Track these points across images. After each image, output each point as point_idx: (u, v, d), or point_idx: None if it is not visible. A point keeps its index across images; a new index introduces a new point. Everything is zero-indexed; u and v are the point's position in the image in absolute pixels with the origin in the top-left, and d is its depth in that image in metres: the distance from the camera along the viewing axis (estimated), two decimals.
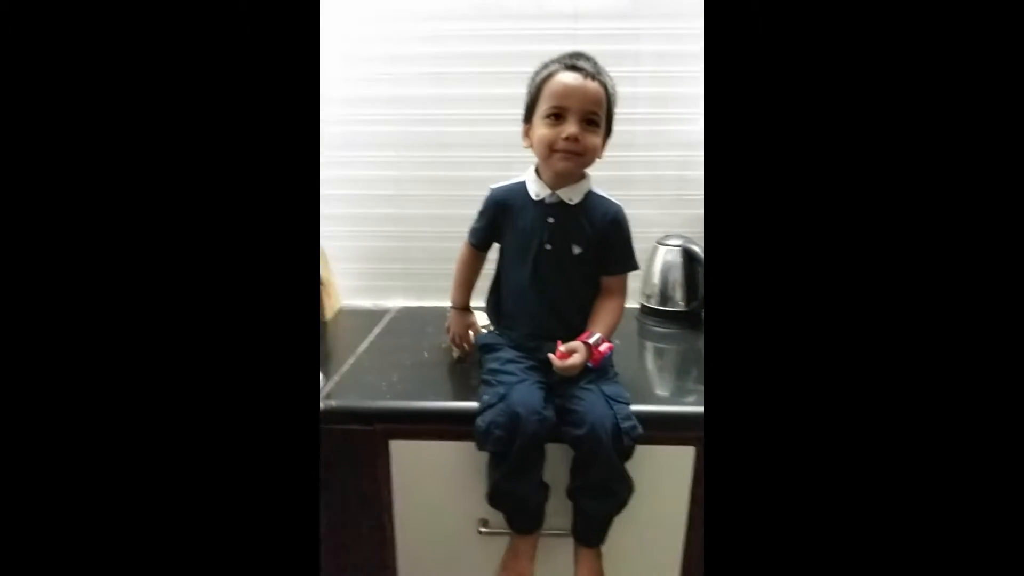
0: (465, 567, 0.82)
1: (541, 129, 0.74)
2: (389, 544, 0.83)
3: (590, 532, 0.76)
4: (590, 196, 0.79)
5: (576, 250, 0.78)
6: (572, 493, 0.75)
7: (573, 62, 0.73)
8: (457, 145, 1.15)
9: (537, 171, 0.80)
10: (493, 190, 0.83)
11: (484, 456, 0.73)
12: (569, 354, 0.73)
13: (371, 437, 0.78)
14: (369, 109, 1.14)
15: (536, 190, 0.79)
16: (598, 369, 0.75)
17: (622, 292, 0.83)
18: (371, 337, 1.04)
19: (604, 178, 0.82)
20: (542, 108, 0.74)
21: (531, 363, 0.78)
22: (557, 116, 0.73)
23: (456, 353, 0.93)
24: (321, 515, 0.80)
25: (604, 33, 1.08)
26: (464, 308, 0.91)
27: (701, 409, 0.77)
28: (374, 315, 1.17)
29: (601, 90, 0.73)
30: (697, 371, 0.95)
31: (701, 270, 1.07)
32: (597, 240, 0.79)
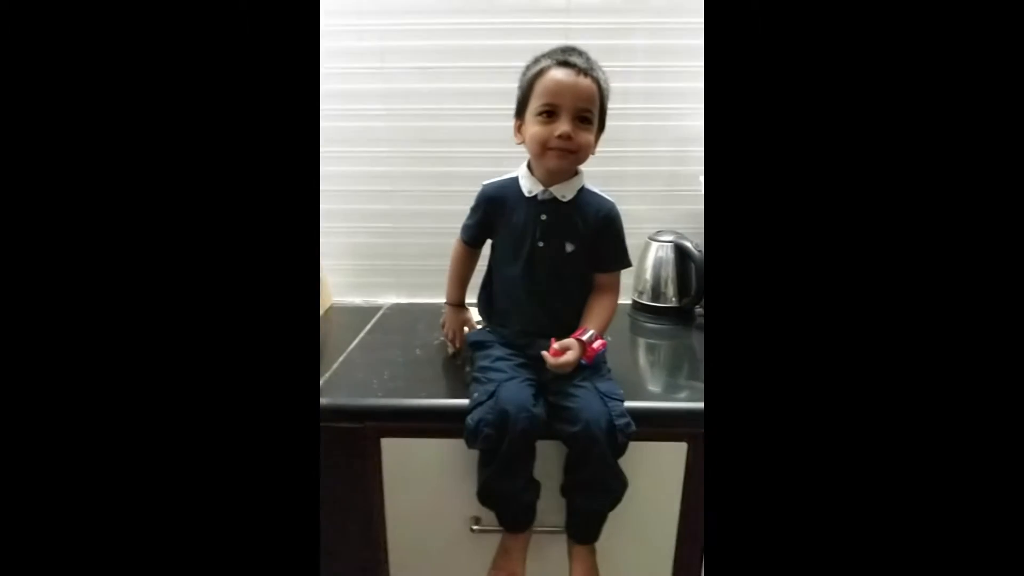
0: (457, 565, 0.82)
1: (534, 127, 0.73)
2: (381, 542, 0.82)
3: (584, 529, 0.75)
4: (583, 193, 0.79)
5: (569, 247, 0.78)
6: (566, 490, 0.75)
7: (565, 58, 0.72)
8: (449, 141, 1.14)
9: (530, 167, 0.79)
10: (485, 186, 0.83)
11: (476, 454, 0.73)
12: (562, 351, 0.72)
13: (362, 435, 0.78)
14: (359, 104, 1.13)
15: (529, 187, 0.78)
16: (592, 366, 0.75)
17: (615, 289, 0.82)
18: (362, 334, 1.04)
19: (596, 174, 0.81)
20: (534, 105, 0.73)
21: (521, 360, 0.78)
22: (550, 114, 0.72)
23: (451, 349, 0.92)
24: None
25: (597, 28, 1.07)
26: (459, 304, 0.91)
27: (693, 405, 0.77)
28: (365, 312, 1.16)
29: (594, 86, 0.72)
30: (689, 367, 0.95)
31: (693, 266, 1.07)
32: (590, 237, 0.78)
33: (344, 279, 1.23)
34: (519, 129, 0.78)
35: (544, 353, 0.73)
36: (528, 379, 0.74)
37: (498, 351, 0.80)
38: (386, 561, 0.83)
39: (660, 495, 0.79)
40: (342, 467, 0.78)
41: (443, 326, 0.93)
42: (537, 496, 0.75)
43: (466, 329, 0.92)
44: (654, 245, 1.12)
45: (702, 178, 1.10)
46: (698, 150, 1.13)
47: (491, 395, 0.71)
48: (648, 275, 1.12)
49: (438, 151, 1.15)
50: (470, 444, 0.71)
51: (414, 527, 0.82)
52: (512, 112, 0.79)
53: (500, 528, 0.76)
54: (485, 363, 0.78)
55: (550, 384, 0.75)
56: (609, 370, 0.79)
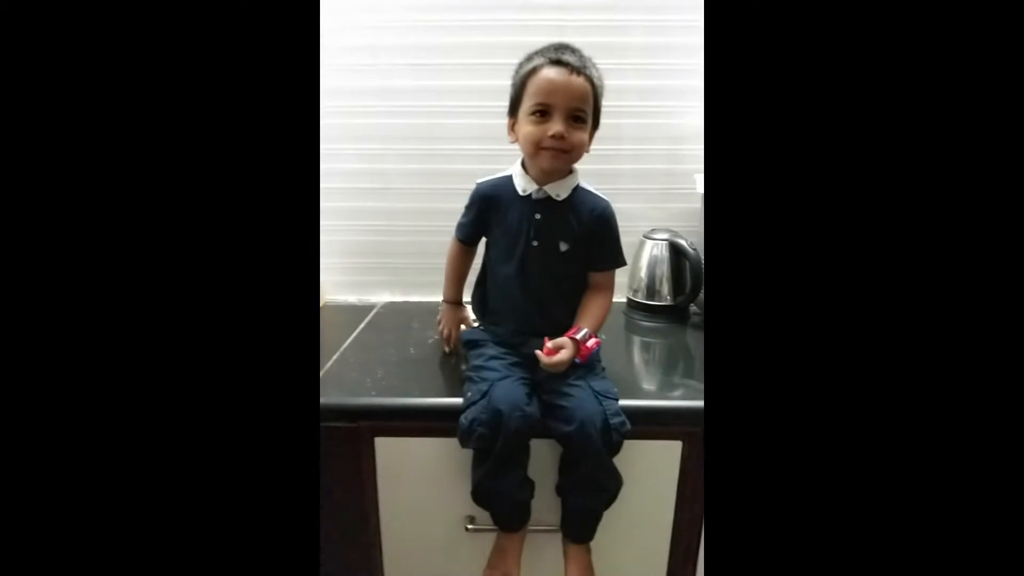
0: (452, 565, 0.82)
1: (527, 126, 0.73)
2: (375, 542, 0.82)
3: (579, 528, 0.75)
4: (578, 191, 0.78)
5: (563, 247, 0.77)
6: (561, 489, 0.75)
7: (558, 56, 0.72)
8: (443, 138, 1.14)
9: (524, 165, 0.79)
10: (479, 184, 0.82)
11: (470, 453, 0.72)
12: (556, 350, 0.72)
13: (356, 434, 0.77)
14: (353, 101, 1.12)
15: (523, 185, 0.78)
16: (585, 365, 0.75)
17: (610, 288, 0.82)
18: (355, 333, 1.03)
19: (591, 171, 0.81)
20: (527, 104, 0.73)
21: (515, 359, 0.77)
22: (543, 113, 0.72)
23: (446, 348, 0.92)
24: None
25: (591, 25, 1.07)
26: (456, 303, 0.91)
27: (688, 403, 0.77)
28: (359, 310, 1.16)
29: (587, 85, 0.72)
30: (684, 365, 0.95)
31: (688, 264, 1.07)
32: (584, 236, 0.78)
33: (338, 277, 1.22)
34: (512, 127, 0.77)
35: (538, 352, 0.73)
36: (522, 378, 0.74)
37: (491, 350, 0.80)
38: (380, 561, 0.83)
39: (655, 493, 0.79)
40: (336, 466, 0.78)
41: (439, 323, 0.92)
42: (531, 495, 0.74)
43: (462, 327, 0.91)
44: (649, 243, 1.12)
45: (697, 176, 1.10)
46: (693, 148, 1.13)
47: (484, 394, 0.71)
48: (643, 273, 1.12)
49: (432, 148, 1.14)
50: (464, 443, 0.71)
51: (409, 526, 0.81)
52: (506, 110, 0.78)
53: (495, 527, 0.76)
54: (478, 362, 0.78)
55: (544, 383, 0.74)
56: (603, 369, 0.79)
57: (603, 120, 0.77)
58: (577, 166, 0.79)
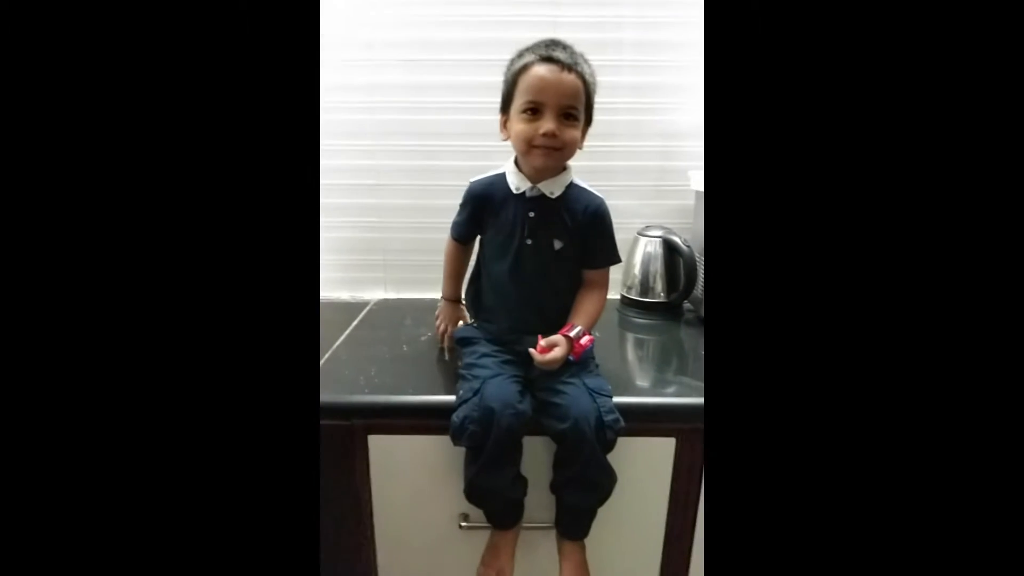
0: (446, 562, 0.82)
1: (518, 125, 0.72)
2: (369, 539, 0.82)
3: (574, 525, 0.75)
4: (572, 188, 0.78)
5: (557, 244, 0.77)
6: (555, 487, 0.75)
7: (549, 53, 0.71)
8: (436, 134, 1.13)
9: (517, 163, 0.78)
10: (472, 183, 0.82)
11: (464, 450, 0.72)
12: (550, 348, 0.72)
13: (349, 432, 0.77)
14: (345, 96, 1.11)
15: (516, 183, 0.77)
16: (579, 362, 0.75)
17: (604, 285, 0.82)
18: (348, 330, 1.02)
19: (584, 168, 0.80)
20: (518, 102, 0.72)
21: (507, 357, 0.77)
22: (534, 111, 0.71)
23: (442, 345, 0.92)
24: None
25: (585, 21, 1.07)
26: (454, 300, 0.91)
27: (682, 400, 0.78)
28: (351, 308, 1.15)
29: (578, 82, 0.71)
30: (678, 362, 0.95)
31: (682, 261, 1.07)
32: (579, 233, 0.78)
33: (330, 274, 1.22)
34: (504, 125, 0.77)
35: (532, 350, 0.72)
36: (514, 376, 0.74)
37: (484, 347, 0.79)
38: (374, 558, 0.83)
39: (649, 490, 0.79)
40: (329, 464, 0.77)
41: (437, 318, 0.92)
42: (524, 492, 0.74)
43: (460, 323, 0.91)
44: (642, 240, 1.12)
45: (691, 172, 1.10)
46: (687, 145, 1.13)
47: (476, 392, 0.70)
48: (637, 270, 1.12)
49: (425, 144, 1.14)
50: (456, 442, 0.71)
51: (402, 524, 0.81)
52: (499, 106, 0.78)
53: (488, 525, 0.76)
54: (471, 359, 0.78)
55: (538, 380, 0.74)
56: (597, 366, 0.79)
57: (597, 117, 0.77)
58: (571, 163, 0.78)
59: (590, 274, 0.81)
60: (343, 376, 0.83)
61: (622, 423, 0.71)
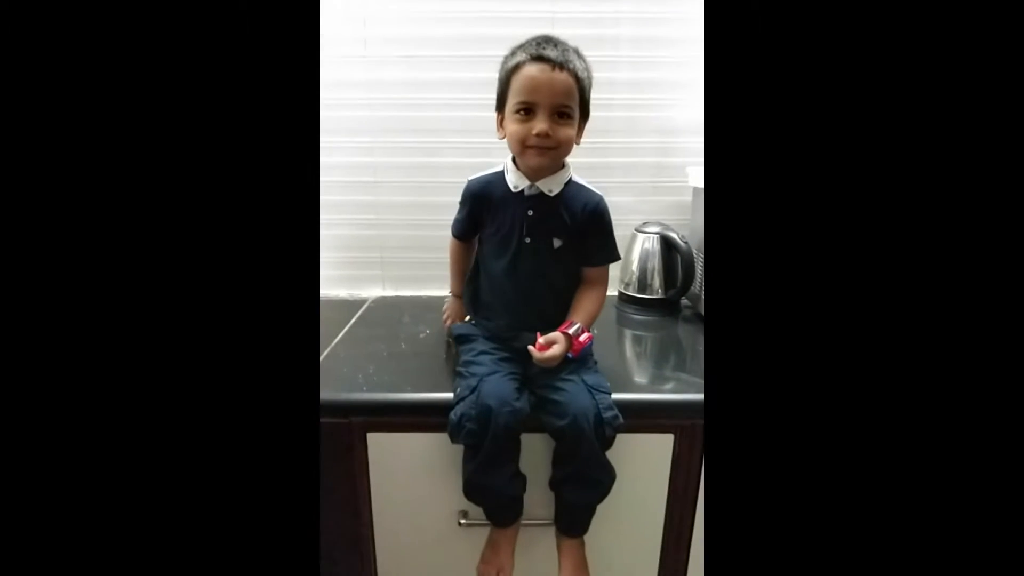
0: (445, 559, 0.82)
1: (512, 125, 0.72)
2: (368, 537, 0.82)
3: (573, 522, 0.75)
4: (570, 186, 0.78)
5: (556, 243, 0.77)
6: (554, 484, 0.75)
7: (539, 51, 0.70)
8: (434, 130, 1.13)
9: (515, 161, 0.78)
10: (470, 181, 0.81)
11: (462, 448, 0.72)
12: (548, 345, 0.72)
13: (348, 430, 0.77)
14: (342, 93, 1.10)
15: (515, 182, 0.77)
16: (578, 359, 0.75)
17: (603, 282, 0.82)
18: (346, 328, 1.02)
19: (581, 164, 0.80)
20: (511, 102, 0.72)
21: (505, 354, 0.77)
22: (527, 111, 0.71)
23: (449, 339, 0.92)
24: None
25: (583, 16, 1.06)
26: (462, 295, 0.90)
27: (680, 397, 0.78)
28: (349, 305, 1.15)
29: (570, 80, 0.70)
30: (676, 358, 0.95)
31: (679, 257, 1.07)
32: (578, 231, 0.77)
33: (328, 272, 1.21)
34: (501, 124, 0.76)
35: (530, 347, 0.72)
36: (511, 373, 0.74)
37: (481, 345, 0.79)
38: (374, 556, 0.83)
39: (647, 486, 0.79)
40: (328, 462, 0.77)
41: (444, 313, 0.93)
42: (523, 489, 0.74)
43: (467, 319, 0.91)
44: (640, 237, 1.12)
45: (689, 169, 1.10)
46: (684, 141, 1.13)
47: (473, 390, 0.70)
48: (634, 267, 1.12)
49: (423, 141, 1.14)
50: (453, 439, 0.71)
51: (402, 522, 0.81)
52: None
53: (488, 522, 0.76)
54: (468, 357, 0.78)
55: (537, 377, 0.74)
56: (596, 363, 0.79)
57: (594, 113, 0.76)
58: (567, 159, 0.78)
59: (589, 272, 0.81)
60: (342, 374, 0.83)
61: (621, 420, 0.71)
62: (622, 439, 0.72)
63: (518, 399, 0.70)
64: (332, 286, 1.23)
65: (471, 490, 0.73)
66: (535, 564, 0.79)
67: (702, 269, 1.06)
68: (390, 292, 1.23)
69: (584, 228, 0.77)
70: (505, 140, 0.76)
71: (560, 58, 0.69)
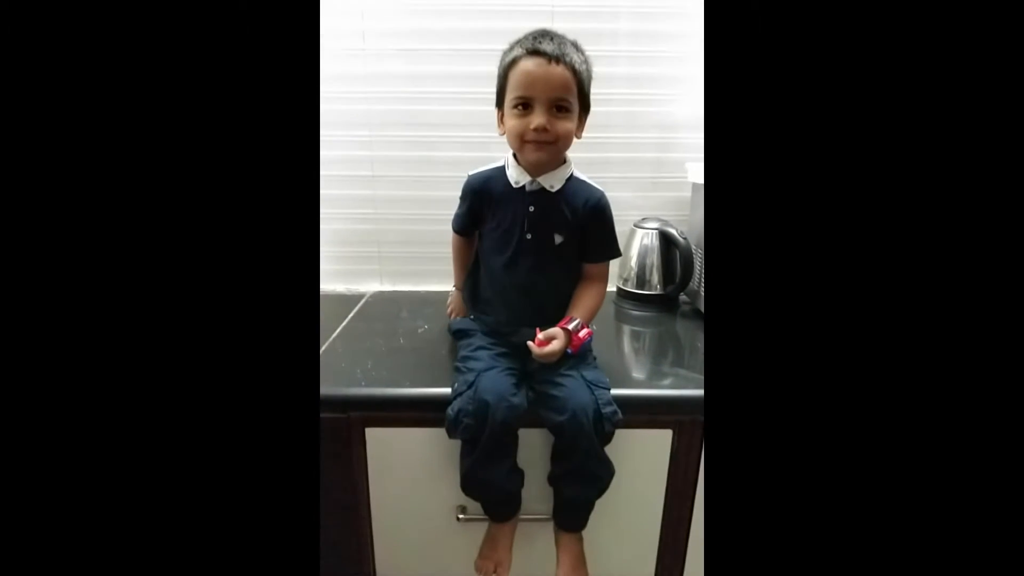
0: (443, 554, 0.82)
1: (510, 120, 0.72)
2: (366, 532, 0.82)
3: (572, 517, 0.76)
4: (572, 181, 0.77)
5: (558, 239, 0.77)
6: (553, 479, 0.75)
7: (536, 46, 0.70)
8: (432, 124, 1.12)
9: (516, 156, 0.78)
10: (470, 177, 0.81)
11: (460, 443, 0.72)
12: (548, 341, 0.72)
13: (346, 425, 0.77)
14: (340, 86, 1.10)
15: (516, 177, 0.76)
16: (577, 355, 0.75)
17: (603, 279, 0.82)
18: (344, 323, 1.02)
19: (580, 159, 0.80)
20: (509, 97, 0.72)
21: (503, 349, 0.77)
22: (525, 106, 0.71)
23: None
24: None
25: (581, 11, 1.06)
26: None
27: (679, 392, 0.78)
28: (347, 300, 1.15)
29: (567, 73, 0.70)
30: (674, 354, 0.95)
31: (678, 253, 1.07)
32: (579, 227, 0.77)
33: (326, 266, 1.21)
34: (501, 120, 0.76)
35: (530, 343, 0.72)
36: (509, 368, 0.74)
37: (479, 340, 0.79)
38: (372, 551, 0.83)
39: (646, 482, 0.80)
40: (327, 457, 0.77)
41: (448, 306, 0.93)
42: (521, 485, 0.75)
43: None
44: (639, 232, 1.11)
45: (688, 164, 1.10)
46: (683, 136, 1.13)
47: (471, 385, 0.70)
48: (633, 262, 1.12)
49: (421, 135, 1.13)
50: (451, 434, 0.71)
51: (400, 517, 0.81)
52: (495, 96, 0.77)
53: (486, 517, 0.76)
54: (466, 352, 0.78)
55: (536, 373, 0.74)
56: (595, 358, 0.79)
57: (593, 108, 0.76)
58: (571, 156, 0.78)
59: (589, 268, 0.81)
60: (340, 369, 0.83)
61: (620, 415, 0.71)
62: (621, 435, 0.72)
63: (516, 394, 0.70)
64: (330, 280, 1.22)
65: (469, 485, 0.73)
66: (533, 559, 0.80)
67: (701, 265, 1.06)
68: (388, 287, 1.23)
69: (585, 224, 0.77)
70: (505, 136, 0.75)
71: (556, 51, 0.69)
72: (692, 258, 1.05)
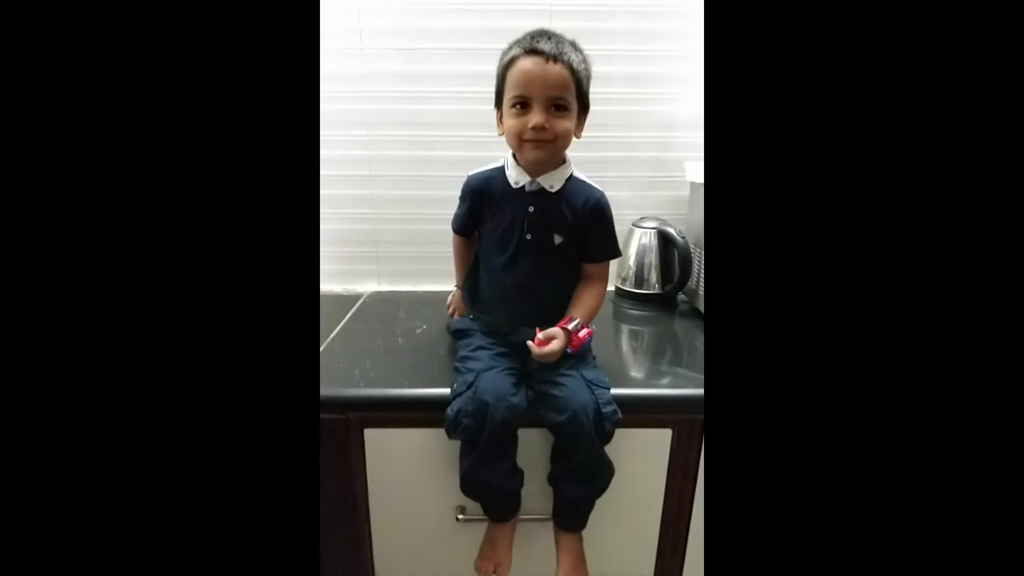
0: (443, 555, 0.82)
1: (509, 119, 0.72)
2: (365, 533, 0.82)
3: (572, 517, 0.76)
4: (571, 181, 0.77)
5: (557, 239, 0.76)
6: (553, 479, 0.75)
7: (533, 45, 0.70)
8: (430, 124, 1.12)
9: (515, 156, 0.78)
10: (469, 177, 0.81)
11: (460, 444, 0.72)
12: (547, 341, 0.72)
13: (345, 426, 0.76)
14: (337, 86, 1.09)
15: (516, 177, 0.76)
16: (577, 355, 0.74)
17: (603, 279, 0.81)
18: (342, 323, 1.02)
19: (579, 159, 0.80)
20: (507, 97, 0.72)
21: (502, 349, 0.77)
22: (523, 105, 0.70)
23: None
24: None
25: (579, 10, 1.06)
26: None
27: (678, 392, 0.78)
28: (345, 300, 1.14)
29: (565, 72, 0.70)
30: (672, 353, 0.95)
31: (676, 252, 1.07)
32: (578, 227, 0.77)
33: (323, 266, 1.20)
34: (500, 119, 0.76)
35: (529, 343, 0.72)
36: (508, 368, 0.74)
37: (478, 340, 0.79)
38: (371, 552, 0.83)
39: (645, 481, 0.80)
40: (326, 458, 0.77)
41: (449, 306, 0.93)
42: (520, 484, 0.74)
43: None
44: (637, 232, 1.11)
45: (686, 164, 1.10)
46: (682, 135, 1.13)
47: (470, 385, 0.70)
48: (631, 261, 1.12)
49: (418, 135, 1.13)
50: (450, 435, 0.71)
51: (399, 517, 0.81)
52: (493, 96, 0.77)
53: (485, 517, 0.76)
54: (465, 352, 0.78)
55: (536, 372, 0.74)
56: (595, 358, 0.79)
57: (591, 107, 0.76)
58: (570, 155, 0.78)
59: (589, 268, 0.81)
60: (338, 369, 0.82)
61: (620, 415, 0.71)
62: (620, 434, 0.72)
63: (515, 394, 0.70)
64: (327, 281, 1.22)
65: (468, 485, 0.73)
66: (533, 559, 0.79)
67: (699, 264, 1.06)
68: (385, 287, 1.22)
69: (585, 224, 0.77)
70: (504, 136, 0.75)
71: (554, 51, 0.69)
72: (690, 257, 1.05)
